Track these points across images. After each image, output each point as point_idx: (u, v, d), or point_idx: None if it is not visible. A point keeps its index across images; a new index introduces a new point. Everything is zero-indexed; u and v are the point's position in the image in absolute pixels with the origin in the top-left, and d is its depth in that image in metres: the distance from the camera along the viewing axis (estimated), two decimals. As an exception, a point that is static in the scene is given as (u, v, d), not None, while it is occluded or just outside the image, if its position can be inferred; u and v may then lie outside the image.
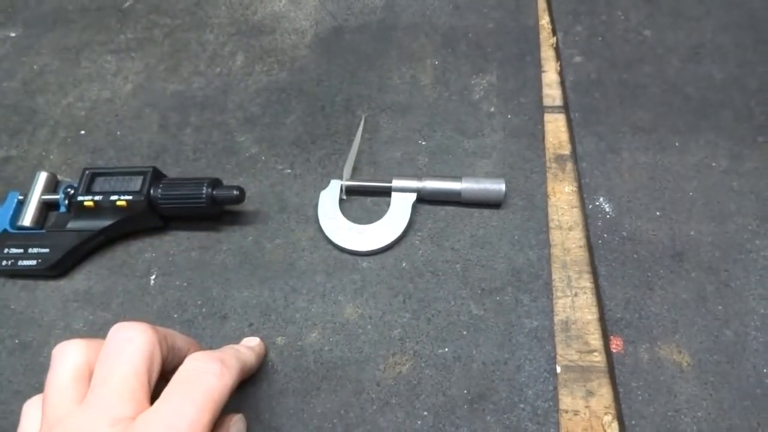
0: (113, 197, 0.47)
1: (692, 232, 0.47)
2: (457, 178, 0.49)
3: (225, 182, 0.51)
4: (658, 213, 0.48)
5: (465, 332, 0.44)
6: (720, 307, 0.44)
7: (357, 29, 0.64)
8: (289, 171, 0.54)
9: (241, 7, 0.67)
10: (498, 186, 0.49)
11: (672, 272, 0.46)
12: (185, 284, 0.48)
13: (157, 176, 0.49)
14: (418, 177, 0.50)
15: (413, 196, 0.49)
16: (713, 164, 0.50)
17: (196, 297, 0.47)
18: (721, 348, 0.42)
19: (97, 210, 0.48)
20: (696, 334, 0.43)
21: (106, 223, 0.48)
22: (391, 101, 0.57)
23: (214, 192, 0.48)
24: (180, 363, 0.32)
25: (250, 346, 0.41)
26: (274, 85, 0.60)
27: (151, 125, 0.58)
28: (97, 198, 0.48)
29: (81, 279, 0.49)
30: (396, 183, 0.50)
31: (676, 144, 0.52)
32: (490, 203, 0.50)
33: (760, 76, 0.55)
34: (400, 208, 0.49)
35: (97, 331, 0.46)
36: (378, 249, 0.48)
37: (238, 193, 0.48)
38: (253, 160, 0.54)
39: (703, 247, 0.46)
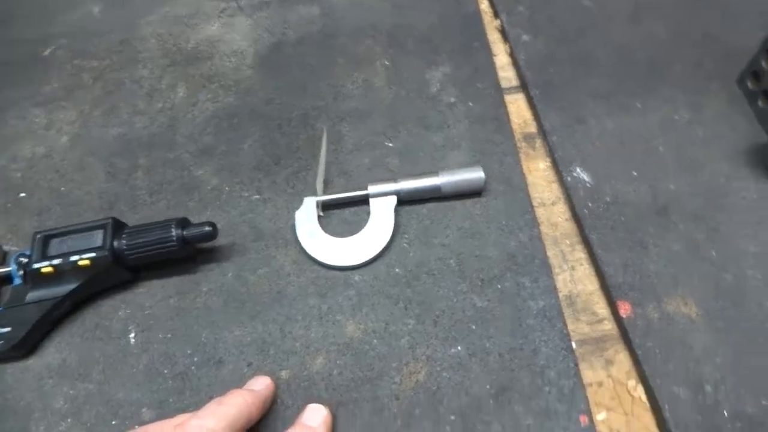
0: (74, 258, 0.43)
1: (671, 186, 0.48)
2: (433, 173, 0.48)
3: (192, 220, 0.47)
4: (635, 173, 0.49)
5: (474, 326, 0.43)
6: (714, 253, 0.44)
7: (298, 42, 0.62)
8: (257, 197, 0.51)
9: (171, 38, 0.64)
10: (477, 174, 0.48)
11: (661, 227, 0.46)
12: (169, 336, 0.44)
13: (118, 227, 0.45)
14: (394, 179, 0.48)
15: (393, 199, 0.48)
16: (676, 117, 0.51)
17: (184, 346, 0.44)
18: (723, 293, 0.42)
19: (58, 275, 0.44)
20: (697, 283, 0.43)
21: (69, 287, 0.44)
22: (349, 108, 0.56)
23: (185, 232, 0.45)
24: None
25: (251, 390, 0.38)
26: (223, 111, 0.57)
27: (98, 175, 0.54)
28: (55, 262, 0.43)
29: (52, 352, 0.44)
30: (372, 189, 0.48)
31: (638, 105, 0.52)
32: (471, 192, 0.49)
33: (700, 26, 0.57)
34: (382, 213, 0.47)
35: (82, 404, 0.42)
36: (367, 260, 0.46)
37: (210, 228, 0.45)
38: (217, 192, 0.51)
39: (684, 198, 0.47)
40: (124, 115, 0.58)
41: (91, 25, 0.67)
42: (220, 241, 0.48)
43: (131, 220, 0.50)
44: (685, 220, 0.46)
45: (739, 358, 0.40)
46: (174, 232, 0.44)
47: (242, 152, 0.54)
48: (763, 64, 0.48)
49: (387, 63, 0.58)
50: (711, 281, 0.43)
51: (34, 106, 0.60)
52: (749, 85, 0.51)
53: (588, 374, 0.41)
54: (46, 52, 0.64)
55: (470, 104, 0.54)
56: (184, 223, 0.45)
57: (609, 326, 0.43)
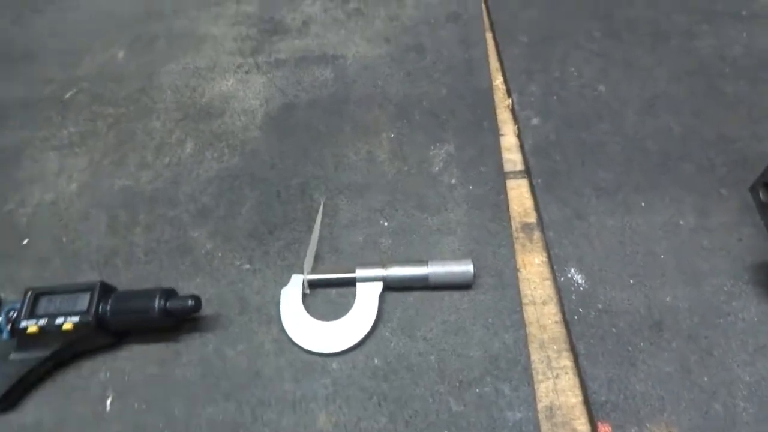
0: (59, 320, 0.44)
1: (668, 298, 0.46)
2: (423, 262, 0.47)
3: (180, 285, 0.48)
4: (631, 281, 0.47)
5: (446, 432, 0.42)
6: (705, 378, 0.42)
7: (308, 104, 0.62)
8: (248, 266, 0.51)
9: (187, 90, 0.65)
10: (466, 268, 0.47)
11: (652, 344, 0.44)
12: (144, 406, 0.44)
13: (105, 291, 0.46)
14: (383, 264, 0.48)
15: (379, 286, 0.47)
16: (681, 222, 0.49)
17: (156, 419, 0.44)
18: (711, 423, 0.40)
19: (43, 335, 0.44)
20: (684, 410, 0.41)
21: (53, 349, 0.45)
22: (349, 180, 0.55)
23: (168, 304, 0.45)
24: None
25: None
26: (226, 172, 0.58)
27: (99, 227, 0.55)
28: (41, 322, 0.44)
29: (30, 410, 0.45)
30: (360, 273, 0.48)
31: (642, 204, 0.51)
32: (460, 285, 0.48)
33: (715, 125, 0.55)
34: (367, 299, 0.47)
35: (51, 468, 0.42)
36: (347, 349, 0.45)
37: (193, 303, 0.45)
38: (209, 257, 0.52)
39: (681, 314, 0.45)
40: (132, 167, 0.59)
41: (113, 69, 0.69)
42: (206, 310, 0.49)
43: (124, 278, 0.51)
44: (678, 338, 0.44)
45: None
46: (157, 303, 0.45)
47: (239, 217, 0.54)
48: (777, 178, 0.46)
49: (392, 135, 0.58)
50: (700, 410, 0.41)
51: (50, 150, 0.62)
52: (761, 196, 0.48)
53: (558, 497, 0.39)
54: (68, 95, 0.66)
55: (471, 188, 0.53)
56: (169, 294, 0.46)
57: (587, 446, 0.41)
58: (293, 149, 0.58)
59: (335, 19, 0.70)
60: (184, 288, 0.50)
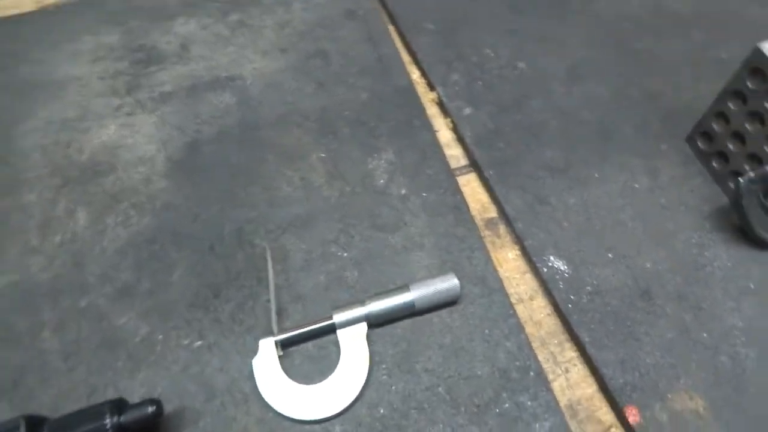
0: (-22, 485, 0.34)
1: (648, 264, 0.46)
2: (404, 288, 0.43)
3: (122, 388, 0.40)
4: (610, 255, 0.46)
5: (481, 468, 0.38)
6: (704, 335, 0.43)
7: (215, 138, 0.54)
8: (199, 343, 0.43)
9: (59, 147, 0.54)
10: (451, 282, 0.43)
11: (648, 313, 0.44)
12: None
13: (34, 425, 0.36)
14: (361, 301, 0.42)
15: (363, 327, 0.42)
16: (636, 186, 0.50)
17: None
18: (723, 377, 0.41)
19: None
20: (696, 371, 0.41)
21: None
22: (290, 216, 0.49)
23: (122, 419, 0.36)
24: None
25: None
26: (139, 236, 0.48)
27: (-8, 342, 0.43)
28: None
29: None
30: (338, 317, 0.42)
31: (596, 175, 0.50)
32: (448, 303, 0.44)
33: (638, 84, 0.56)
34: (353, 346, 0.41)
35: None
36: (346, 407, 0.40)
37: (153, 408, 0.37)
38: (149, 344, 0.43)
39: (664, 277, 0.45)
40: (13, 257, 0.47)
41: (-48, 140, 0.55)
42: (165, 407, 0.40)
43: (46, 399, 0.41)
44: (669, 301, 0.44)
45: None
46: (108, 421, 0.36)
47: (172, 287, 0.46)
48: (715, 126, 0.47)
49: (323, 155, 0.52)
50: (709, 367, 0.41)
51: None
52: (700, 145, 0.50)
53: (608, 497, 0.37)
54: None
55: (424, 194, 0.50)
56: (119, 405, 0.37)
57: (618, 435, 0.40)
58: (214, 193, 0.50)
59: (218, 36, 0.62)
60: (128, 390, 0.41)
